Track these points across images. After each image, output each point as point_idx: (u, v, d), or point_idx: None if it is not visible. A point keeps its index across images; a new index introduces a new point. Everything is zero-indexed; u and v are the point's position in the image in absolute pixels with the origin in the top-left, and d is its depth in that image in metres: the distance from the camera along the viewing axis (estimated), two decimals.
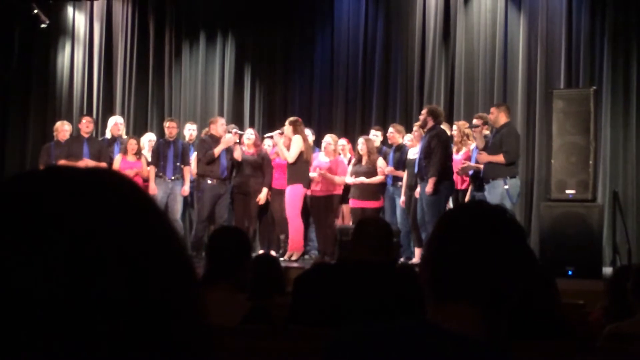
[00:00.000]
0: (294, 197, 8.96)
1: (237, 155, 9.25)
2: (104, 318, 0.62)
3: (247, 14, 11.80)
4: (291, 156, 8.93)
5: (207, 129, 10.13)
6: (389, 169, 9.01)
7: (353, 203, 9.09)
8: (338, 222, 9.29)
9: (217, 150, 9.11)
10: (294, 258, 9.01)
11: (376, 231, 3.42)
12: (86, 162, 9.27)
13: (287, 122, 9.16)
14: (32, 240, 0.62)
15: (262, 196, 9.42)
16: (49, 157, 9.88)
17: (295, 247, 9.08)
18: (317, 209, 9.13)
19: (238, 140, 9.39)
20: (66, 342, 0.61)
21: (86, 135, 9.76)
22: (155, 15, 12.19)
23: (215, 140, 9.23)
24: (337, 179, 9.06)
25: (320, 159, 9.24)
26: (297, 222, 9.02)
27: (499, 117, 8.24)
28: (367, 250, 3.31)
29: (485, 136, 8.40)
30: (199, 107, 11.94)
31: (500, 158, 8.05)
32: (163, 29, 12.14)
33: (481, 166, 8.31)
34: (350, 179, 9.03)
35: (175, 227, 0.73)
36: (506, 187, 8.04)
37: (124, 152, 9.65)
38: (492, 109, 8.41)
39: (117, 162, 9.57)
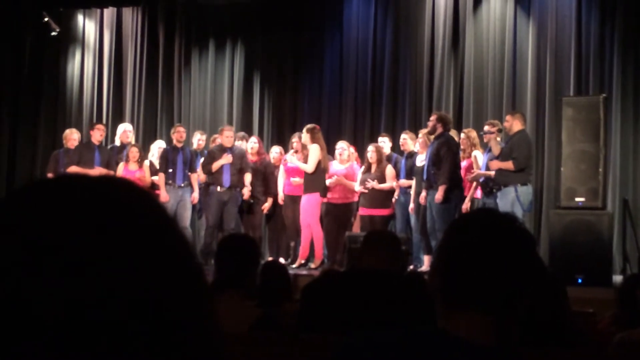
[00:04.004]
0: (311, 205, 8.94)
1: (246, 195, 9.32)
2: (115, 327, 0.62)
3: (256, 21, 11.83)
4: (310, 166, 8.91)
5: (214, 136, 10.17)
6: (401, 182, 8.99)
7: (362, 211, 9.06)
8: (355, 230, 9.25)
9: (215, 166, 9.22)
10: (313, 266, 9.00)
11: (383, 242, 3.43)
12: (100, 170, 9.32)
13: (304, 130, 9.16)
14: (42, 251, 0.63)
15: (267, 206, 9.49)
16: (57, 165, 9.93)
17: (317, 255, 9.08)
18: (333, 217, 9.10)
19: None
20: (78, 353, 0.61)
21: (97, 143, 9.81)
22: (165, 23, 12.24)
23: (223, 150, 9.31)
24: (352, 184, 9.07)
25: (334, 167, 9.21)
26: (318, 230, 9.00)
27: (514, 124, 8.26)
28: (375, 261, 3.32)
29: (499, 143, 8.41)
30: (208, 114, 11.98)
31: (509, 165, 8.04)
32: (173, 37, 12.18)
33: (491, 173, 8.30)
34: (358, 187, 9.02)
35: (185, 234, 0.73)
36: (517, 194, 8.03)
37: (126, 160, 9.68)
38: (508, 117, 8.42)
39: (120, 171, 9.58)
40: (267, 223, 9.96)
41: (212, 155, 9.36)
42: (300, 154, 9.19)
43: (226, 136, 9.39)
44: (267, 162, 9.64)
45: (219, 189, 9.23)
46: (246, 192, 9.30)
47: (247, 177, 9.34)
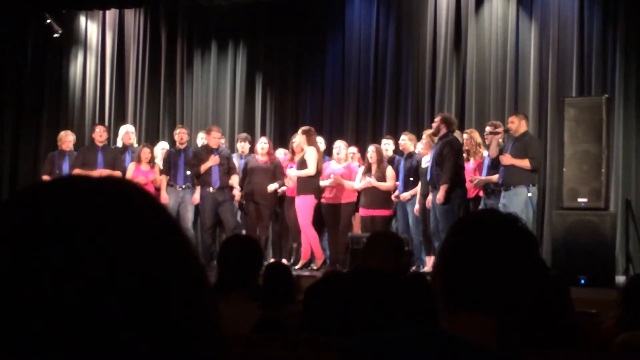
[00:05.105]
0: (306, 207, 8.94)
1: (237, 196, 9.37)
2: (116, 328, 0.62)
3: (258, 22, 11.84)
4: (312, 170, 8.90)
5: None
6: (403, 196, 8.94)
7: (363, 212, 9.06)
8: (355, 231, 9.24)
9: (203, 168, 9.25)
10: (315, 267, 9.01)
11: (386, 243, 3.43)
12: (101, 172, 9.32)
13: (300, 131, 9.17)
14: (43, 252, 0.63)
15: (275, 185, 9.34)
16: (52, 166, 9.94)
17: (316, 256, 9.09)
18: (331, 217, 9.10)
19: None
20: (79, 353, 0.61)
21: (100, 144, 9.81)
22: (167, 24, 12.25)
23: (209, 151, 9.32)
24: (349, 183, 9.06)
25: (332, 166, 9.22)
26: (311, 232, 9.00)
27: (520, 125, 8.29)
28: (378, 262, 3.32)
29: (499, 144, 8.40)
30: (211, 115, 11.99)
31: (526, 163, 8.06)
32: (175, 38, 12.20)
33: (493, 178, 8.29)
34: (359, 184, 9.02)
35: (188, 235, 0.73)
36: (529, 194, 8.04)
37: (138, 160, 9.68)
38: (513, 118, 8.42)
39: (131, 171, 9.60)
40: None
41: (199, 156, 9.36)
42: (302, 154, 9.19)
43: (213, 137, 9.41)
44: (276, 162, 9.63)
45: (211, 190, 9.26)
46: (237, 193, 9.33)
47: (235, 179, 9.35)
